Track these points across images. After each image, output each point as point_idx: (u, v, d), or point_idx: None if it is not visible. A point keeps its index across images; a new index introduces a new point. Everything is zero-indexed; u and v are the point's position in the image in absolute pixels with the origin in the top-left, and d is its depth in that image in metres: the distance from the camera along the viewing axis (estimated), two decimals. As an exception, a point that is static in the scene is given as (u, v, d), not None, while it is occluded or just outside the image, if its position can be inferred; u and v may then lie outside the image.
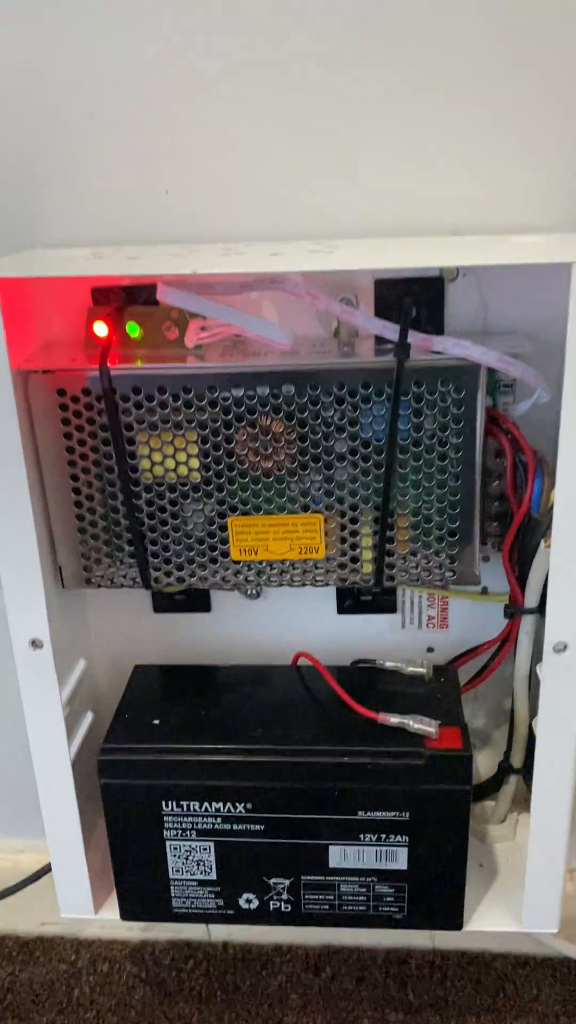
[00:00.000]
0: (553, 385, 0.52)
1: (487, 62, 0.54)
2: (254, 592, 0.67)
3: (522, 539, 0.58)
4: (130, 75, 0.56)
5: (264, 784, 0.57)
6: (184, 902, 0.61)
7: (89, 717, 0.66)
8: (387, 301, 0.58)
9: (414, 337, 0.54)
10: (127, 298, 0.59)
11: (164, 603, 0.68)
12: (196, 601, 0.68)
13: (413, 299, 0.57)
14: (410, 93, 0.55)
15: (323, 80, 0.55)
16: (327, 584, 0.60)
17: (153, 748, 0.57)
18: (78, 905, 0.63)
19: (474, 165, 0.56)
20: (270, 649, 0.68)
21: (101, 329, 0.57)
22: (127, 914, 0.62)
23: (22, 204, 0.59)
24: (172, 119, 0.57)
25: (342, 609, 0.67)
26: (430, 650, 0.68)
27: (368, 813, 0.57)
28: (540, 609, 0.60)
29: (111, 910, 0.63)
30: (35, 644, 0.56)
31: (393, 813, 0.57)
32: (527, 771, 0.67)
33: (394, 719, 0.57)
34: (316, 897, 0.60)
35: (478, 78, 0.54)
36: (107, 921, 0.63)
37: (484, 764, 0.70)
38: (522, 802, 0.71)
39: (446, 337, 0.54)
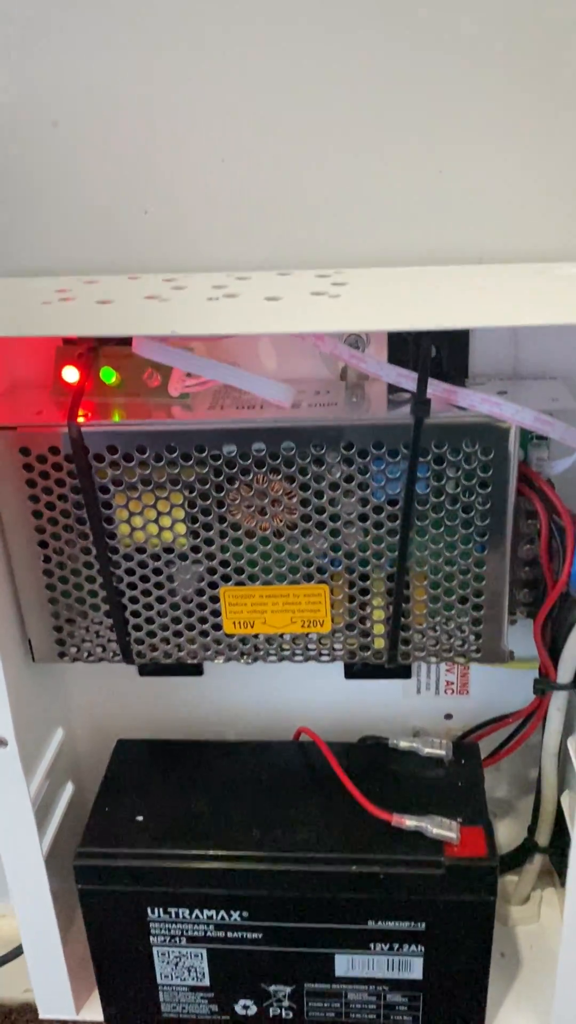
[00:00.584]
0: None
1: (519, 72, 0.45)
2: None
3: (556, 614, 0.51)
4: (103, 75, 0.47)
5: (261, 893, 0.50)
6: (174, 1007, 0.55)
7: (69, 790, 0.60)
8: (402, 340, 0.50)
9: (435, 387, 0.46)
10: (101, 338, 0.51)
11: (151, 666, 0.61)
12: (187, 664, 0.61)
13: (432, 339, 0.49)
14: (427, 98, 0.46)
15: (330, 83, 0.46)
16: (333, 659, 0.53)
17: (136, 853, 0.51)
18: (57, 1006, 0.57)
19: (504, 181, 0.48)
20: (269, 718, 0.61)
21: (71, 375, 0.49)
22: (111, 1019, 0.56)
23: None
24: (153, 125, 0.48)
25: (350, 674, 0.60)
26: (448, 717, 0.61)
27: (379, 923, 0.51)
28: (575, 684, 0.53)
29: (94, 1010, 0.57)
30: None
31: (408, 923, 0.51)
32: (554, 849, 0.60)
33: (410, 822, 0.50)
34: (321, 1005, 0.54)
35: (507, 84, 0.46)
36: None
37: (505, 835, 0.63)
38: (546, 875, 0.65)
39: (473, 391, 0.46)
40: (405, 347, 0.50)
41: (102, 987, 0.55)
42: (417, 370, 0.46)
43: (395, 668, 0.59)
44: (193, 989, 0.54)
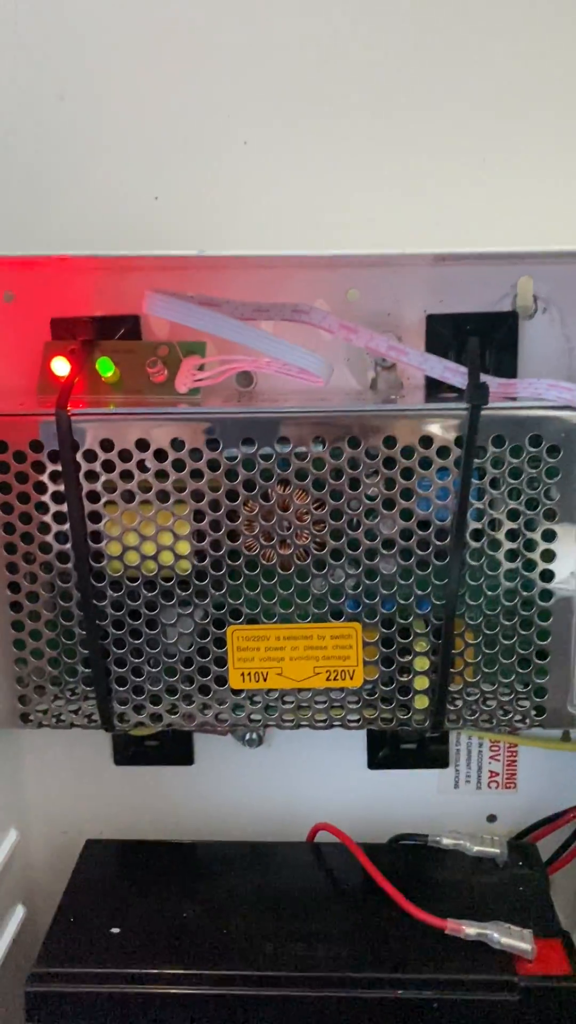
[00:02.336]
0: None
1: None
2: (255, 738, 0.49)
3: None
4: (112, 47, 0.43)
5: (277, 1032, 0.38)
6: None
7: (20, 913, 0.47)
8: (443, 342, 0.44)
9: (490, 382, 0.40)
10: (99, 331, 0.44)
11: (129, 752, 0.50)
12: (173, 749, 0.50)
13: (479, 341, 0.43)
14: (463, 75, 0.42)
15: (363, 58, 0.42)
16: (362, 725, 0.43)
17: (109, 974, 0.38)
18: None
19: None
20: (275, 818, 0.50)
21: (61, 367, 0.42)
22: None
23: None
24: (165, 103, 0.43)
25: (374, 762, 0.50)
26: (491, 819, 0.51)
27: (432, 1077, 0.38)
28: None
29: None
30: None
31: (470, 1077, 0.38)
32: None
33: (470, 929, 0.39)
34: None
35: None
36: None
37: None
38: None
39: (535, 379, 0.40)
40: (444, 354, 0.43)
41: None
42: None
43: (430, 754, 0.50)
44: None
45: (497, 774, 0.50)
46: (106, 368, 0.42)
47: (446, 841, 0.45)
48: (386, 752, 0.49)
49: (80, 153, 0.43)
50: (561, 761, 0.49)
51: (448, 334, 0.44)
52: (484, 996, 0.37)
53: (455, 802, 0.50)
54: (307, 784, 0.50)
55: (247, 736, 0.49)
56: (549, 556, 0.40)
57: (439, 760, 0.50)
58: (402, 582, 0.41)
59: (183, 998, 0.38)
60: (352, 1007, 0.37)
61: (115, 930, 0.40)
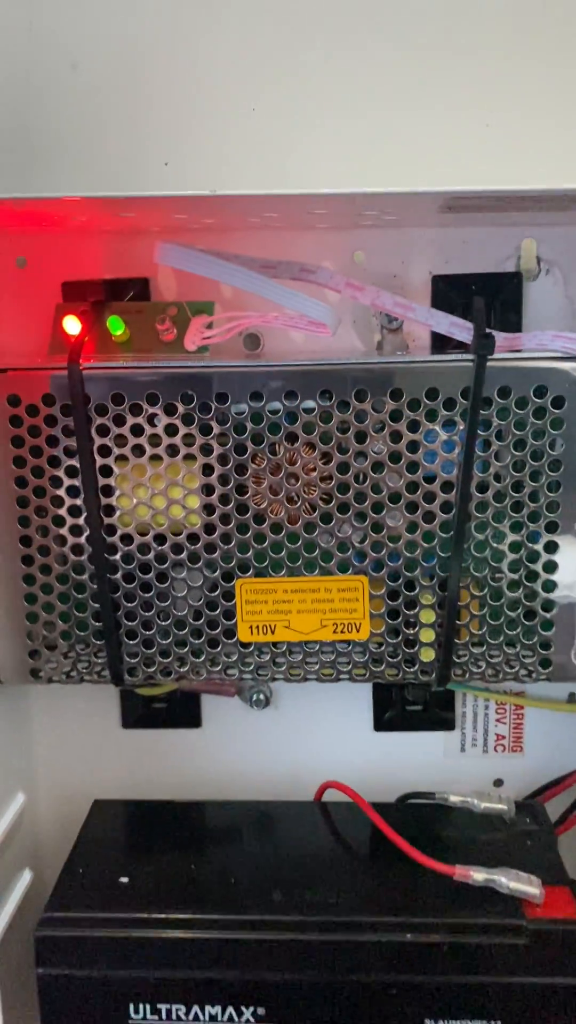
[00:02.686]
0: None
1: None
2: (261, 699, 0.49)
3: None
4: (125, 16, 0.44)
5: (285, 977, 0.38)
6: None
7: (26, 878, 0.47)
8: (448, 303, 0.45)
9: (496, 337, 0.40)
10: (109, 293, 0.45)
11: (137, 715, 0.50)
12: (181, 712, 0.50)
13: (484, 300, 0.44)
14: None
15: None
16: (369, 678, 0.43)
17: (118, 919, 0.38)
18: None
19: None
20: (282, 780, 0.50)
21: (73, 326, 0.43)
22: None
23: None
24: (172, 71, 0.44)
25: (381, 725, 0.50)
26: (498, 783, 0.51)
27: (441, 1023, 0.38)
28: None
29: None
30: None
31: (479, 1023, 0.38)
32: None
33: (478, 875, 0.39)
34: None
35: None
36: None
37: None
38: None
39: (540, 332, 0.41)
40: (451, 310, 0.44)
41: None
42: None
43: (436, 717, 0.50)
44: None
45: (504, 737, 0.50)
46: (116, 326, 0.43)
47: (453, 798, 0.45)
48: (392, 714, 0.50)
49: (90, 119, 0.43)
50: (568, 724, 0.50)
51: (454, 295, 0.45)
52: (492, 939, 0.37)
53: (461, 766, 0.50)
54: (313, 746, 0.50)
55: (254, 698, 0.49)
56: (553, 507, 0.41)
57: (445, 723, 0.50)
58: (408, 536, 0.41)
59: (191, 942, 0.38)
60: (361, 951, 0.38)
61: (124, 880, 0.41)
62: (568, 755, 0.49)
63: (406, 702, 0.50)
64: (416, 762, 0.50)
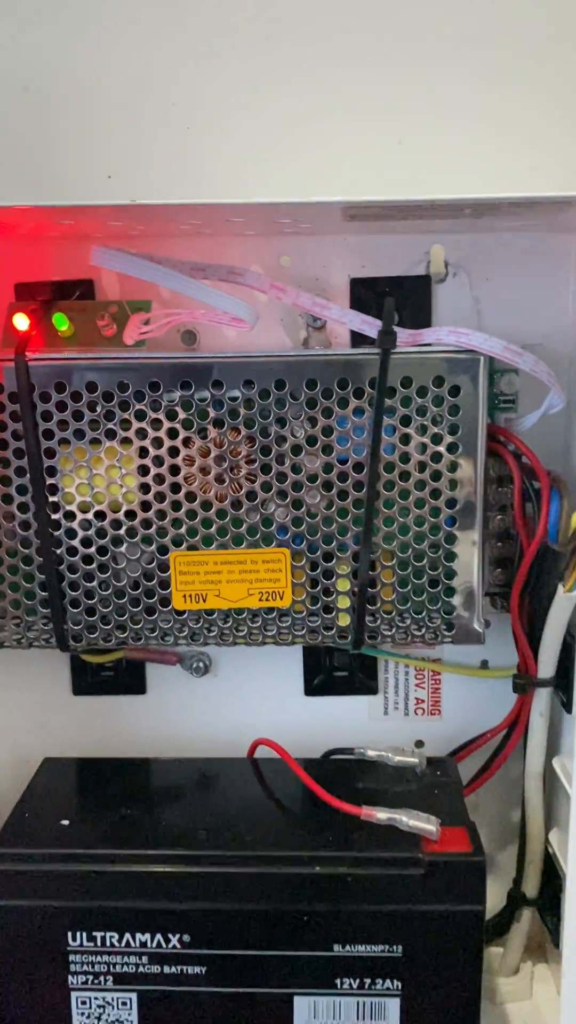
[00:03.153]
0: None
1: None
2: (201, 667, 0.54)
3: (534, 582, 0.47)
4: (69, 47, 0.48)
5: (207, 905, 0.42)
6: None
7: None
8: (364, 305, 0.50)
9: (400, 333, 0.45)
10: (57, 293, 0.50)
11: (87, 683, 0.55)
12: (128, 680, 0.54)
13: (395, 301, 0.49)
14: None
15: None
16: (293, 641, 0.48)
17: (60, 855, 0.43)
18: None
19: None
20: (221, 741, 0.54)
21: (21, 322, 0.47)
22: None
23: None
24: (109, 96, 0.48)
25: (311, 690, 0.54)
26: (419, 744, 0.55)
27: (348, 948, 0.42)
28: (559, 681, 0.49)
29: None
30: None
31: (381, 947, 0.42)
32: (544, 903, 0.52)
33: (381, 814, 0.43)
34: (275, 1079, 0.44)
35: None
36: None
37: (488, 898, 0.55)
38: (536, 949, 0.56)
39: (439, 328, 0.45)
40: (367, 310, 0.49)
41: (4, 1062, 0.45)
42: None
43: (361, 683, 0.54)
44: (118, 1058, 0.44)
45: (423, 701, 0.55)
46: (61, 323, 0.47)
47: (371, 753, 0.49)
48: (321, 679, 0.54)
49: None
50: (481, 688, 0.54)
51: (369, 296, 0.50)
52: (392, 871, 0.42)
53: (385, 728, 0.55)
54: (250, 710, 0.54)
55: (194, 666, 0.54)
56: (453, 485, 0.45)
57: (369, 688, 0.54)
58: (325, 512, 0.46)
59: (124, 875, 0.42)
60: (275, 882, 0.42)
61: (65, 822, 0.45)
62: (482, 717, 0.53)
63: (333, 669, 0.54)
64: (343, 724, 0.54)
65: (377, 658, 0.54)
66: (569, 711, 0.49)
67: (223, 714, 0.55)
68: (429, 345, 0.45)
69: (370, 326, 0.46)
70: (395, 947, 0.42)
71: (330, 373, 0.44)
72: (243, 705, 0.54)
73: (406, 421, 0.45)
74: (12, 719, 0.55)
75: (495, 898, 0.54)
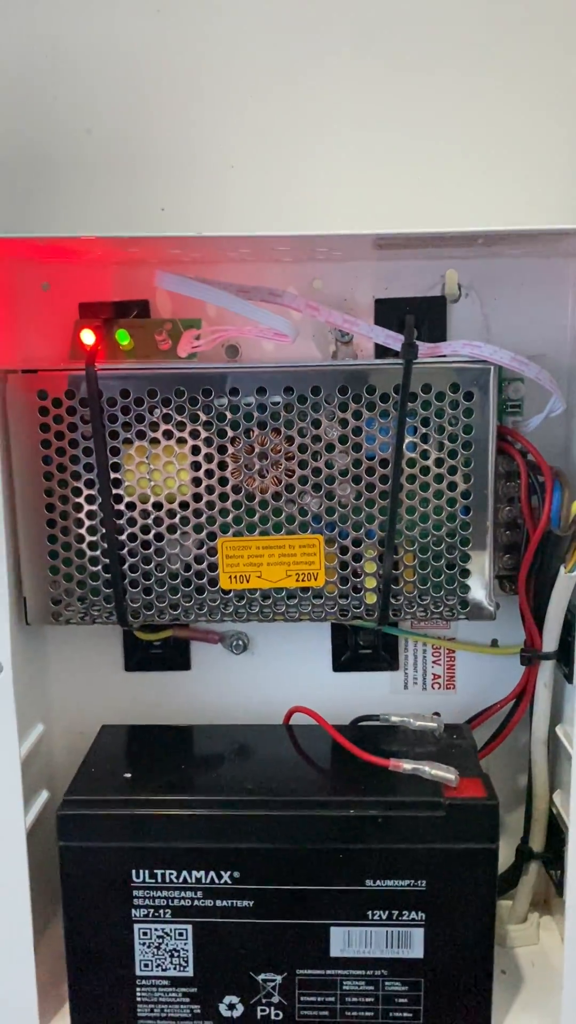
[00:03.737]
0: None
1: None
2: (240, 645, 0.60)
3: (539, 565, 0.53)
4: (128, 94, 0.54)
5: (255, 845, 0.48)
6: (152, 1009, 0.50)
7: (43, 796, 0.57)
8: (387, 322, 0.56)
9: (421, 346, 0.52)
10: (117, 312, 0.56)
11: (137, 660, 0.61)
12: (174, 657, 0.61)
13: (414, 313, 0.55)
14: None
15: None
16: (325, 618, 0.54)
17: (124, 801, 0.49)
18: (20, 1021, 0.52)
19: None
20: (257, 713, 0.60)
21: (88, 337, 0.54)
22: (80, 1029, 0.51)
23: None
24: (168, 139, 0.55)
25: (338, 666, 0.61)
26: (436, 715, 0.61)
27: (378, 882, 0.48)
28: (562, 654, 0.55)
29: (60, 1027, 0.52)
30: (-8, 668, 0.48)
31: (407, 882, 0.48)
32: (549, 857, 0.58)
33: (407, 765, 0.49)
34: (313, 1000, 0.50)
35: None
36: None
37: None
38: (543, 905, 0.62)
39: (454, 341, 0.52)
40: (389, 326, 0.55)
41: (73, 987, 0.50)
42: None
43: (383, 659, 0.60)
44: (175, 983, 0.50)
45: (439, 676, 0.61)
46: (123, 337, 0.54)
47: (394, 718, 0.55)
48: (347, 656, 0.60)
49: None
50: (491, 665, 0.60)
51: (391, 314, 0.56)
52: (416, 813, 0.48)
53: (405, 701, 0.61)
54: (283, 685, 0.60)
55: (234, 644, 0.60)
56: (467, 479, 0.52)
57: (391, 664, 0.60)
58: (354, 503, 0.52)
59: (181, 819, 0.48)
60: (314, 823, 0.48)
61: (127, 775, 0.51)
62: (492, 691, 0.59)
63: (359, 647, 0.60)
64: (367, 697, 0.60)
65: (398, 637, 0.60)
66: (570, 682, 0.55)
67: (259, 688, 0.61)
68: (446, 356, 0.51)
69: (394, 340, 0.52)
70: (420, 882, 0.48)
71: (359, 380, 0.51)
72: (277, 680, 0.61)
73: (426, 423, 0.51)
74: (69, 694, 0.61)
75: (504, 856, 0.60)
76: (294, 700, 0.59)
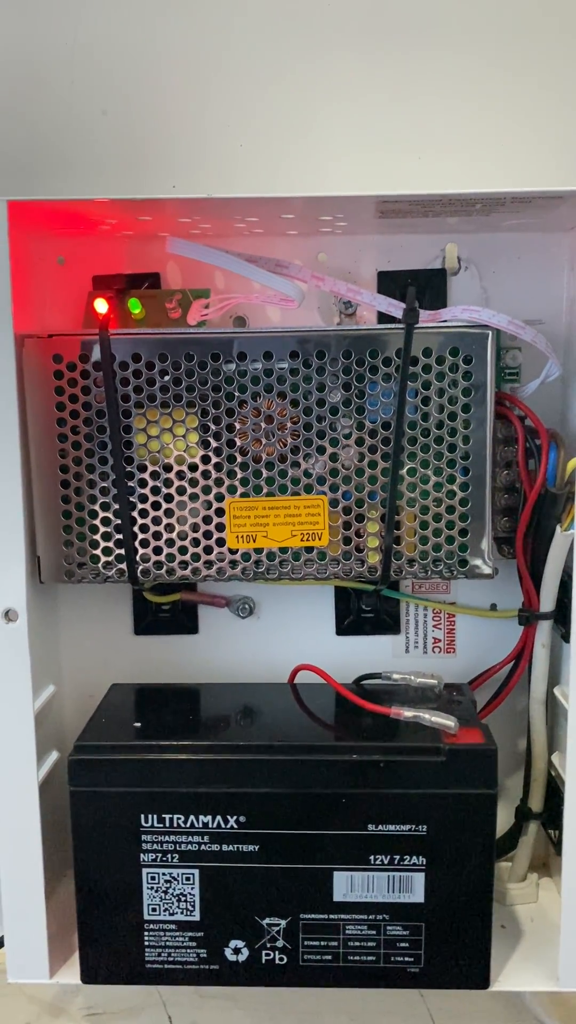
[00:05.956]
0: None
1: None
2: (247, 608, 0.62)
3: (536, 524, 0.55)
4: (140, 76, 0.57)
5: (261, 790, 0.50)
6: (159, 954, 0.51)
7: (53, 756, 0.58)
8: (390, 292, 0.58)
9: (422, 312, 0.54)
10: (129, 283, 0.58)
11: (146, 623, 0.62)
12: (182, 621, 0.62)
13: (416, 284, 0.58)
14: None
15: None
16: (328, 577, 0.56)
17: (134, 746, 0.50)
18: (30, 968, 0.53)
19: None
20: (263, 676, 0.61)
21: (101, 306, 0.56)
22: (89, 975, 0.52)
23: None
24: (180, 116, 0.57)
25: (341, 630, 0.62)
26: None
27: (380, 827, 0.50)
28: (559, 615, 0.56)
29: (68, 975, 0.53)
30: (8, 616, 0.50)
31: (409, 827, 0.50)
32: (547, 816, 0.60)
33: (408, 712, 0.51)
34: (317, 944, 0.51)
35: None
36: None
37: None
38: (541, 868, 0.63)
39: (454, 307, 0.54)
40: (391, 296, 0.57)
41: (83, 931, 0.52)
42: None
43: (385, 623, 0.62)
44: (181, 927, 0.51)
45: (439, 640, 0.62)
46: (135, 306, 0.56)
47: (395, 676, 0.57)
48: (350, 620, 0.62)
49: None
50: (490, 629, 0.62)
51: (394, 286, 0.58)
52: (417, 758, 0.49)
53: (406, 664, 0.62)
54: (288, 648, 0.62)
55: (240, 608, 0.62)
56: (467, 441, 0.54)
57: (392, 628, 0.62)
58: (357, 464, 0.54)
59: (189, 763, 0.50)
60: (319, 769, 0.49)
61: (137, 724, 0.53)
62: (491, 654, 0.61)
63: (361, 611, 0.62)
64: (370, 660, 0.62)
65: (399, 602, 0.62)
66: (567, 641, 0.56)
67: (265, 651, 0.62)
68: (446, 321, 0.53)
69: (396, 308, 0.54)
70: (420, 826, 0.50)
71: (362, 346, 0.53)
72: (282, 643, 0.62)
73: (427, 386, 0.53)
74: (80, 655, 0.62)
75: (503, 819, 0.62)
76: (298, 663, 0.61)
